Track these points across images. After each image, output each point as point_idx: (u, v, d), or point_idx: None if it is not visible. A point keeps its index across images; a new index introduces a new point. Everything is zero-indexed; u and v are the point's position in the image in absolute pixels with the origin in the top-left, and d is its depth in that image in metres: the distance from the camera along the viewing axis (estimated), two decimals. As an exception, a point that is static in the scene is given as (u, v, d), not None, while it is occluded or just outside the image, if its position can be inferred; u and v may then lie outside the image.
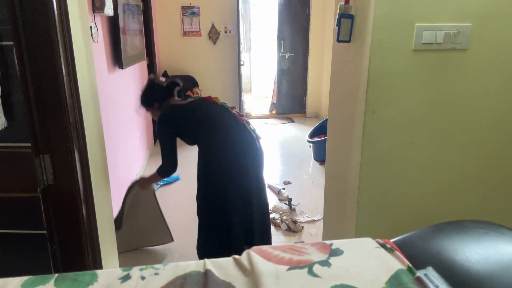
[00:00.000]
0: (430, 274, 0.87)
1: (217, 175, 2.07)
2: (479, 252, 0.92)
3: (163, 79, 2.29)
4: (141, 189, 2.47)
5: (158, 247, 2.72)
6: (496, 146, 1.54)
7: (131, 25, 3.56)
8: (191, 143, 2.17)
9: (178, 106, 2.14)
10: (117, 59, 3.13)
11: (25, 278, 0.88)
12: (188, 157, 4.59)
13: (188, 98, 2.23)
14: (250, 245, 2.09)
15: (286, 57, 6.41)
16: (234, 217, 2.09)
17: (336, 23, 1.60)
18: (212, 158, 2.07)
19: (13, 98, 1.26)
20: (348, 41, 1.59)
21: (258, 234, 2.19)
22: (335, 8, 1.64)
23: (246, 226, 2.14)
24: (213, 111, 2.12)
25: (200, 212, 2.21)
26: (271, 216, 3.06)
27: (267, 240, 2.30)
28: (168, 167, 2.16)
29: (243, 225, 2.13)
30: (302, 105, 6.69)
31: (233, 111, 2.17)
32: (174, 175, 3.86)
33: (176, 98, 2.24)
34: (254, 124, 2.38)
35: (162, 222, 2.65)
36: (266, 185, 3.66)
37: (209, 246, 2.21)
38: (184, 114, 2.12)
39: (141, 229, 2.60)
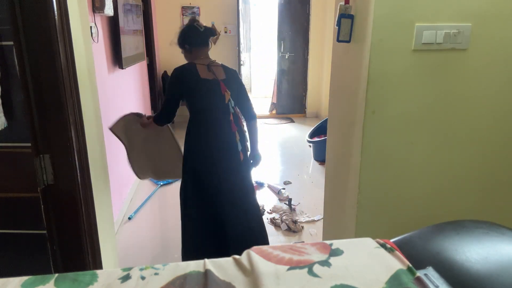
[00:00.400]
0: (430, 274, 0.87)
1: (191, 160, 2.15)
2: (479, 252, 0.92)
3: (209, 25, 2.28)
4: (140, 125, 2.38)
5: (157, 248, 2.72)
6: (496, 146, 1.54)
7: (131, 25, 3.56)
8: (187, 106, 2.19)
9: (197, 75, 2.09)
10: (117, 59, 3.13)
11: (25, 278, 0.88)
12: (188, 157, 4.60)
13: (211, 69, 2.15)
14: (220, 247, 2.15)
15: (286, 57, 6.41)
16: (191, 211, 2.17)
17: (336, 23, 1.61)
18: (192, 145, 2.14)
19: (13, 98, 1.26)
20: (348, 41, 1.59)
21: (239, 240, 2.14)
22: (335, 8, 1.64)
23: (210, 226, 2.17)
24: (216, 107, 2.11)
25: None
26: (271, 216, 3.06)
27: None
28: (164, 117, 2.21)
29: (206, 222, 2.17)
30: (302, 105, 6.69)
31: (231, 116, 2.12)
32: (174, 175, 3.87)
33: (208, 50, 2.23)
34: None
35: (179, 154, 2.45)
36: (266, 185, 3.68)
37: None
38: (196, 86, 2.10)
39: (158, 160, 2.53)
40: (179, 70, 2.13)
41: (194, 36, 2.19)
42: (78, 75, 1.35)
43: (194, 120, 2.11)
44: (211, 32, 2.25)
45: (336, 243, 0.99)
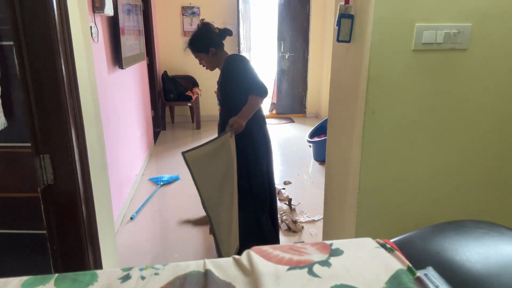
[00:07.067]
0: (430, 274, 0.87)
1: (260, 145, 2.25)
2: (479, 252, 0.92)
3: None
4: (232, 134, 2.03)
5: (157, 248, 2.72)
6: (496, 146, 1.54)
7: (131, 25, 3.56)
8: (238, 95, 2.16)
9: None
10: (117, 59, 3.13)
11: (25, 278, 0.88)
12: (188, 157, 4.59)
13: None
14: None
15: (286, 57, 6.41)
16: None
17: (336, 23, 1.61)
18: (256, 125, 2.23)
19: (13, 98, 1.26)
20: (348, 41, 1.59)
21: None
22: (335, 8, 1.64)
23: None
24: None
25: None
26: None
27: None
28: (265, 87, 2.14)
29: None
30: (302, 105, 6.69)
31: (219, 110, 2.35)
32: (174, 175, 3.87)
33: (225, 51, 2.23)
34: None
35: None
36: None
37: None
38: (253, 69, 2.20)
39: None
40: (239, 55, 2.21)
41: (216, 38, 2.18)
42: (78, 75, 1.35)
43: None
44: (228, 32, 2.20)
45: (336, 243, 0.99)
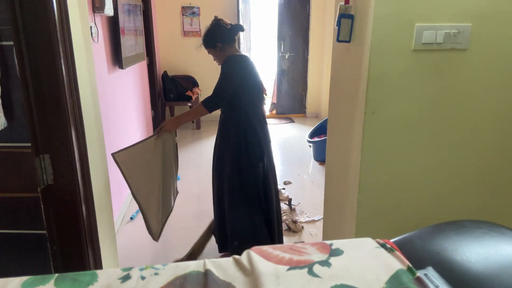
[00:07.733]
0: (430, 274, 0.87)
1: (254, 147, 2.21)
2: (479, 252, 0.92)
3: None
4: (165, 134, 2.15)
5: (157, 248, 2.72)
6: (497, 145, 1.54)
7: (131, 25, 3.56)
8: (230, 105, 2.19)
9: (250, 61, 2.22)
10: (117, 59, 3.13)
11: (25, 278, 0.88)
12: (187, 157, 4.59)
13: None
14: None
15: (286, 57, 6.41)
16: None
17: (336, 23, 1.61)
18: (250, 127, 2.19)
19: (13, 98, 1.26)
20: (348, 41, 1.59)
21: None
22: (335, 8, 1.64)
23: None
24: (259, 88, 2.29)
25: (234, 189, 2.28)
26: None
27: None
28: (218, 101, 2.13)
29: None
30: (302, 105, 6.69)
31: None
32: (174, 175, 3.86)
33: (236, 47, 2.28)
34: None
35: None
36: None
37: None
38: (253, 70, 2.21)
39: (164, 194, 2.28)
40: (242, 56, 2.20)
41: (225, 33, 2.21)
42: (78, 75, 1.35)
43: (244, 112, 2.19)
44: (239, 27, 2.25)
45: (336, 243, 0.99)
